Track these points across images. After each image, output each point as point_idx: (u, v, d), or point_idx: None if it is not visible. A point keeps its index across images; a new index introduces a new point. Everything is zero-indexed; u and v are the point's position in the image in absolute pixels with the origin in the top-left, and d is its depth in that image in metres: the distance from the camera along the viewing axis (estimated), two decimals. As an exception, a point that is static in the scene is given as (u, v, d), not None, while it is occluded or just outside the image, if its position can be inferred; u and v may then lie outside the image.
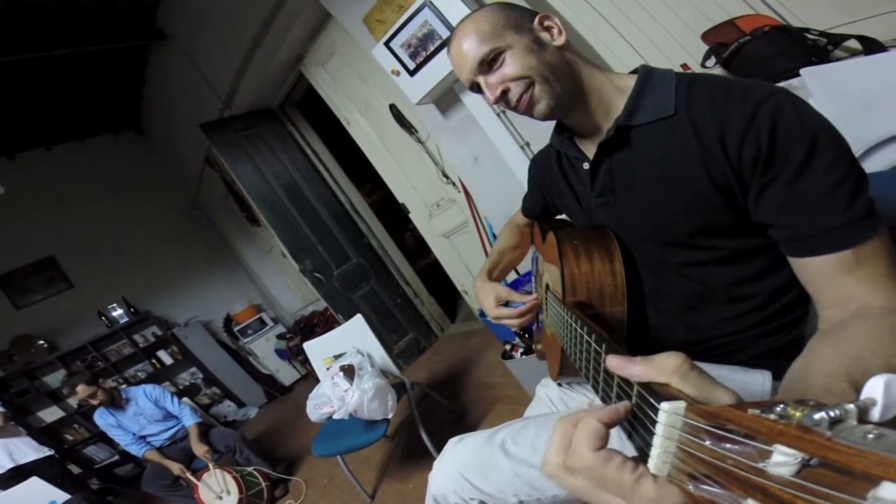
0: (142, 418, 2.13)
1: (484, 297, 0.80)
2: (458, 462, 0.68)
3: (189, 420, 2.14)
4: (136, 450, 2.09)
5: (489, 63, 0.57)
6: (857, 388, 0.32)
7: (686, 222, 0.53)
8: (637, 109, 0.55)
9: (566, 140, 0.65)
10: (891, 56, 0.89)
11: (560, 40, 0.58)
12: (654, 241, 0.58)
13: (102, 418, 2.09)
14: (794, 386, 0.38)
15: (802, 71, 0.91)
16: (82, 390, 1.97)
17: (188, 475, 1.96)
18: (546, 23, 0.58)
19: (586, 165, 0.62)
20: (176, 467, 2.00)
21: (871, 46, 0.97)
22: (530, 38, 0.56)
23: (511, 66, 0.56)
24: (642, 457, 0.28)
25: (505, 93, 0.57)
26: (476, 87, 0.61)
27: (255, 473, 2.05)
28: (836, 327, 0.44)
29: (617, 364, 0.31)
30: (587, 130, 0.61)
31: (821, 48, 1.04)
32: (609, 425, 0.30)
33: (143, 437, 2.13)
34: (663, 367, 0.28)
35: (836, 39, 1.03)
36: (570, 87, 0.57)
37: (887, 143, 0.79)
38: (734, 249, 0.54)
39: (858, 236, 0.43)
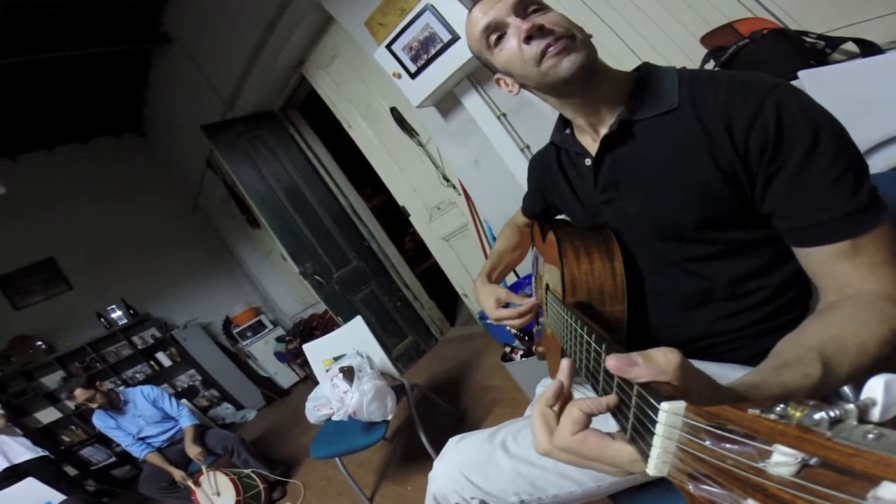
0: (140, 420, 2.12)
1: (484, 298, 0.80)
2: (458, 461, 0.67)
3: (186, 421, 2.13)
4: (136, 451, 2.08)
5: (529, 10, 0.54)
6: (826, 361, 0.35)
7: (691, 215, 0.54)
8: (640, 104, 0.56)
9: (568, 137, 0.65)
10: (888, 58, 0.89)
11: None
12: (658, 236, 0.58)
13: (102, 420, 2.08)
14: (772, 356, 0.40)
15: (801, 74, 0.91)
16: (80, 394, 1.97)
17: (189, 483, 1.95)
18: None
19: (588, 161, 0.62)
20: (178, 474, 1.99)
21: (869, 49, 0.98)
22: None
23: (555, 18, 0.54)
24: (642, 457, 0.28)
25: (543, 29, 0.52)
26: (496, 34, 0.56)
27: (253, 476, 2.04)
28: (828, 307, 0.45)
29: (616, 366, 0.30)
30: (590, 125, 0.61)
31: (819, 51, 1.04)
32: (590, 414, 0.34)
33: (143, 439, 2.12)
34: (664, 364, 0.29)
35: (834, 42, 1.03)
36: (593, 65, 0.56)
37: (885, 145, 0.80)
38: (737, 242, 0.54)
39: (859, 226, 0.44)
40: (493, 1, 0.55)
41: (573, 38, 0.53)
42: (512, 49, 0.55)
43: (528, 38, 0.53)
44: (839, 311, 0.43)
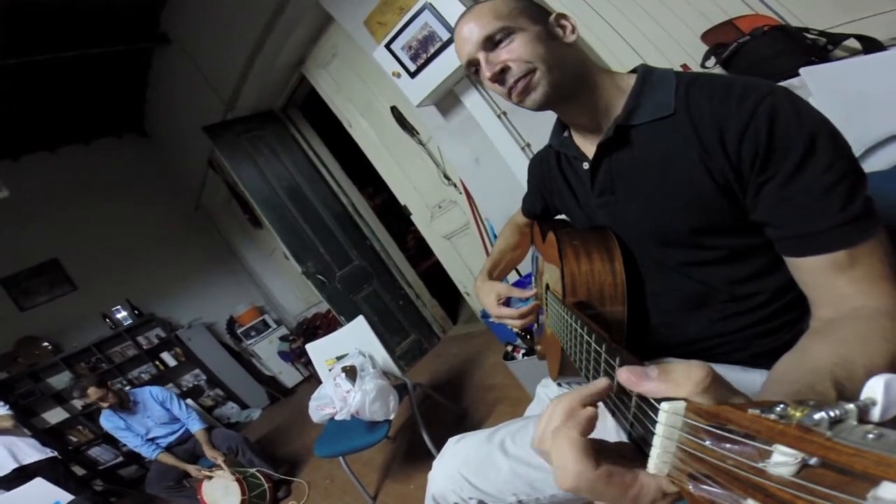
0: (149, 420, 2.14)
1: (484, 296, 0.81)
2: (457, 461, 0.68)
3: (196, 426, 2.15)
4: (146, 451, 2.09)
5: (496, 41, 0.56)
6: (839, 388, 0.33)
7: (686, 221, 0.53)
8: (637, 109, 0.55)
9: (566, 140, 0.65)
10: (890, 55, 0.88)
11: (570, 38, 0.58)
12: (655, 241, 0.57)
13: (110, 421, 2.10)
14: (779, 380, 0.38)
15: (802, 70, 0.91)
16: (93, 392, 1.99)
17: (205, 473, 1.97)
18: (561, 21, 0.59)
19: (586, 165, 0.62)
20: (192, 469, 2.01)
21: (871, 45, 0.97)
22: (543, 29, 0.57)
23: (519, 48, 0.55)
24: (642, 457, 0.28)
25: (504, 71, 0.56)
26: (474, 67, 0.59)
27: (258, 475, 2.05)
28: (828, 326, 0.44)
29: (629, 379, 0.28)
30: (587, 129, 0.61)
31: (820, 48, 1.04)
32: (584, 433, 0.28)
33: (151, 440, 2.14)
34: (684, 380, 0.26)
35: (836, 39, 1.03)
36: (572, 81, 0.57)
37: (887, 142, 0.79)
38: (734, 248, 0.54)
39: (853, 237, 0.43)
40: (464, 40, 0.58)
41: (534, 73, 0.55)
42: (487, 82, 0.59)
43: (494, 81, 0.57)
44: (843, 331, 0.41)
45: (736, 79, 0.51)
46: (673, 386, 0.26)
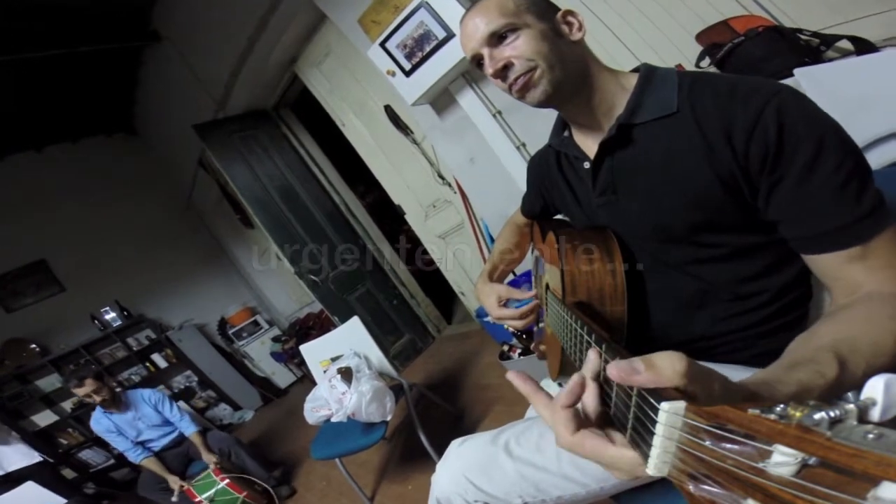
0: (140, 423, 2.11)
1: (485, 297, 0.80)
2: (461, 464, 0.67)
3: (189, 429, 2.12)
4: (133, 456, 2.06)
5: (500, 37, 0.56)
6: (842, 360, 0.34)
7: (689, 219, 0.53)
8: (639, 108, 0.55)
9: (566, 140, 0.65)
10: (882, 56, 0.90)
11: (577, 36, 0.58)
12: (657, 239, 0.58)
13: (99, 424, 2.06)
14: (785, 355, 0.40)
15: (796, 71, 0.92)
16: (90, 384, 1.97)
17: (181, 485, 1.92)
18: (568, 18, 0.58)
19: (587, 165, 0.62)
20: (172, 480, 1.97)
21: (863, 47, 0.98)
22: (549, 26, 0.56)
23: (522, 45, 0.55)
24: (642, 457, 0.28)
25: (506, 68, 0.56)
26: (478, 61, 0.60)
27: (230, 489, 1.91)
28: (840, 309, 0.45)
29: (617, 374, 0.28)
30: (589, 128, 0.61)
31: (813, 49, 1.05)
32: (572, 405, 0.34)
33: (142, 443, 2.10)
34: (669, 373, 0.27)
35: (829, 40, 1.04)
36: (574, 79, 0.57)
37: (880, 142, 0.81)
38: (737, 246, 0.54)
39: (866, 232, 0.44)
40: (468, 35, 0.59)
41: (534, 71, 0.55)
42: (490, 78, 0.59)
43: (496, 76, 0.57)
44: (850, 312, 0.43)
45: (740, 78, 0.51)
46: (660, 376, 0.27)
